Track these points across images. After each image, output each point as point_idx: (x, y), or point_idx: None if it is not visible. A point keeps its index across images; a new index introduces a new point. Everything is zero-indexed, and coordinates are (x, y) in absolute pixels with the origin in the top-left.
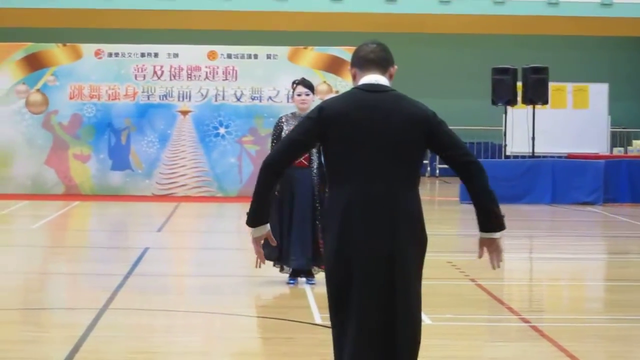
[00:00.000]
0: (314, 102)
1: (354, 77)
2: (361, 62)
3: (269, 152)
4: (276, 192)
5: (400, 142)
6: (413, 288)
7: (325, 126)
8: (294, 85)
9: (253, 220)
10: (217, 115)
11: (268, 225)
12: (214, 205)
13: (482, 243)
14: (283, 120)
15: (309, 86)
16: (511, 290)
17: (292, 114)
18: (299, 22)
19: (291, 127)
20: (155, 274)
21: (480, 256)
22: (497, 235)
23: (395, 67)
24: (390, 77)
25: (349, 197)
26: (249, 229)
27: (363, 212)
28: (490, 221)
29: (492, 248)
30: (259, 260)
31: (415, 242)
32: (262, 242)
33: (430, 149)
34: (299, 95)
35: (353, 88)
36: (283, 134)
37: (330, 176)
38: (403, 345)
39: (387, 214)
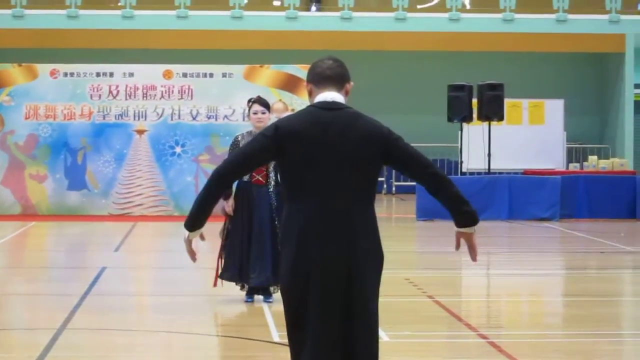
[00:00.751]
0: (270, 120)
1: (310, 93)
2: (317, 79)
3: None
4: (232, 212)
5: (356, 159)
6: (371, 305)
7: (280, 143)
8: (250, 103)
9: (192, 225)
10: (173, 134)
11: (202, 228)
12: (171, 224)
13: (459, 236)
14: (239, 138)
15: (265, 104)
16: (469, 307)
17: (248, 132)
18: (255, 41)
19: None
20: (114, 293)
21: (457, 248)
22: (472, 230)
23: (352, 83)
24: (347, 94)
25: (305, 214)
26: (184, 231)
27: (319, 229)
28: (464, 218)
29: (470, 242)
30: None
31: (372, 258)
32: (222, 266)
33: (390, 165)
34: (254, 113)
35: (309, 106)
36: None
37: (287, 193)
38: None
39: (343, 231)
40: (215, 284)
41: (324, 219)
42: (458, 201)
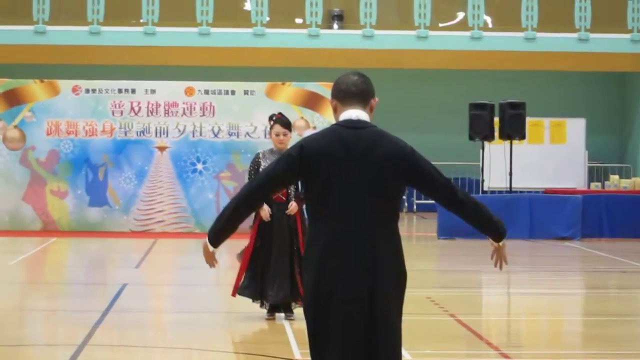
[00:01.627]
0: (291, 139)
1: (335, 110)
2: (342, 96)
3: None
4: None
5: (380, 179)
6: (393, 324)
7: (305, 163)
8: (271, 122)
9: (215, 242)
10: (195, 151)
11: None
12: (192, 241)
13: (495, 250)
14: (260, 156)
15: (287, 124)
16: (490, 325)
17: (269, 150)
18: (277, 58)
19: (268, 163)
20: (134, 310)
21: (496, 265)
22: (503, 241)
23: (376, 99)
24: (371, 110)
25: (329, 233)
26: (206, 241)
27: (343, 249)
28: (498, 234)
29: (500, 252)
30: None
31: (395, 278)
32: (244, 282)
33: (411, 185)
34: (277, 135)
35: (333, 124)
36: (260, 170)
37: (311, 212)
38: None
39: (367, 250)
40: (233, 294)
41: (347, 238)
42: (484, 220)
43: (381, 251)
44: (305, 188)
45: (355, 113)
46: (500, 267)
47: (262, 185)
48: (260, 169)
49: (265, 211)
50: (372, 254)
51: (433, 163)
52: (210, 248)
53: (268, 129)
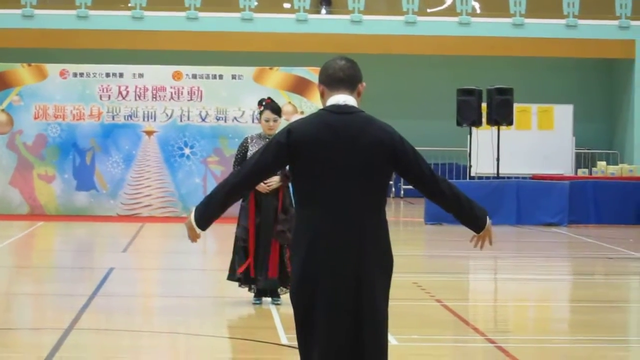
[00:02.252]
0: (280, 124)
1: (322, 95)
2: (329, 81)
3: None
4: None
5: (367, 164)
6: (380, 310)
7: (293, 149)
8: (261, 106)
9: (203, 225)
10: (182, 135)
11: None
12: (179, 225)
13: (475, 236)
14: (249, 140)
15: (277, 111)
16: (477, 311)
17: (258, 134)
18: (265, 43)
19: (257, 148)
20: (121, 294)
21: (475, 246)
22: (485, 228)
23: (364, 84)
24: (359, 95)
25: (316, 219)
26: (192, 218)
27: (329, 234)
28: (478, 223)
29: (482, 238)
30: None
31: (381, 263)
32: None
33: (397, 173)
34: (266, 120)
35: (321, 109)
36: (248, 154)
37: (298, 197)
38: None
39: (354, 236)
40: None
41: (334, 224)
42: (466, 215)
43: (369, 237)
44: (293, 174)
45: (342, 98)
46: (481, 248)
47: (251, 174)
48: (248, 154)
49: (263, 186)
50: (360, 240)
51: (421, 149)
52: (198, 230)
53: (257, 113)
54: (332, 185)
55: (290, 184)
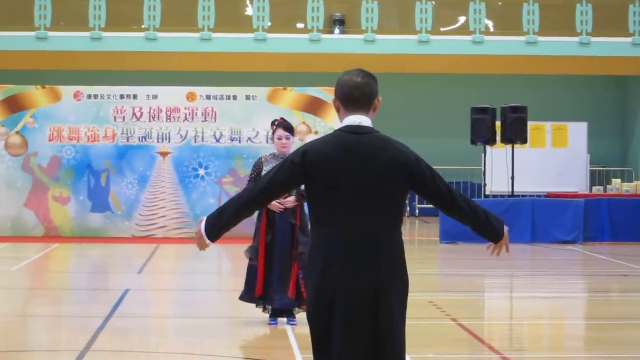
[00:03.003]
0: (294, 144)
1: (338, 110)
2: (345, 100)
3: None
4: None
5: (384, 185)
6: (397, 330)
7: (309, 170)
8: (274, 126)
9: (214, 237)
10: (197, 156)
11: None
12: (194, 246)
13: (495, 246)
14: (263, 160)
15: (290, 129)
16: (492, 330)
17: (272, 154)
18: (278, 63)
19: (270, 168)
20: (136, 315)
21: (492, 254)
22: (503, 238)
23: (380, 98)
24: (374, 110)
25: (332, 239)
26: (202, 228)
27: (345, 255)
28: (496, 235)
29: (499, 248)
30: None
31: (398, 283)
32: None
33: (414, 191)
34: (279, 139)
35: (336, 130)
36: (262, 174)
37: (314, 218)
38: None
39: (369, 256)
40: (259, 292)
41: (350, 244)
42: (483, 228)
43: (385, 258)
44: (309, 195)
45: (358, 119)
46: (498, 254)
47: (264, 192)
48: (263, 174)
49: (274, 203)
50: (376, 261)
51: (435, 167)
52: (207, 241)
53: (270, 134)
54: (348, 205)
55: (305, 204)
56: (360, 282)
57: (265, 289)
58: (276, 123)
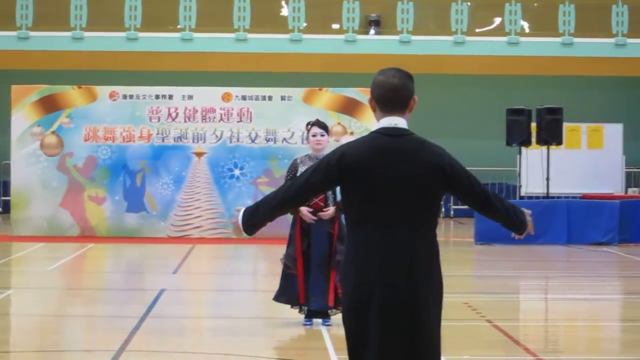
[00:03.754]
0: (328, 143)
1: (374, 110)
2: (381, 101)
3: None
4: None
5: (419, 187)
6: (434, 332)
7: (344, 173)
8: (308, 126)
9: (251, 231)
10: (232, 156)
11: None
12: (230, 246)
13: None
14: (298, 161)
15: (324, 127)
16: (527, 331)
17: (307, 155)
18: (313, 64)
19: (306, 168)
20: (172, 315)
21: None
22: (527, 228)
23: (416, 98)
24: (410, 110)
25: (368, 241)
26: (240, 220)
27: (382, 257)
28: (522, 228)
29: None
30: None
31: (434, 286)
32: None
33: (450, 194)
34: (313, 136)
35: (372, 132)
36: (298, 173)
37: (350, 220)
38: None
39: (406, 258)
40: (302, 299)
41: (386, 246)
42: (516, 225)
43: (421, 259)
44: (344, 196)
45: (394, 121)
46: (522, 237)
47: (300, 191)
48: (298, 172)
49: (306, 213)
50: (412, 262)
51: (470, 168)
52: (245, 235)
53: (305, 134)
54: (385, 208)
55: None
56: (396, 283)
57: (301, 290)
58: (310, 123)
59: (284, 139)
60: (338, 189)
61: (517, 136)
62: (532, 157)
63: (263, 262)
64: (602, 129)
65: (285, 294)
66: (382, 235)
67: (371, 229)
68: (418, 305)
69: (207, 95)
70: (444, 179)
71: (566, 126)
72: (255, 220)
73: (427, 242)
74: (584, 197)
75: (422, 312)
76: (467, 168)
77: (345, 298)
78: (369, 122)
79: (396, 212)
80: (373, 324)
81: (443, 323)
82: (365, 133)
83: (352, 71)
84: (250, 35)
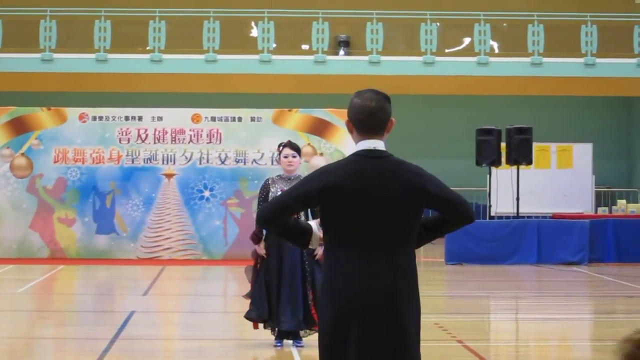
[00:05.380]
0: (300, 164)
1: (351, 132)
2: (359, 125)
3: (253, 214)
4: (265, 254)
5: (399, 207)
6: (414, 351)
7: (325, 193)
8: (280, 147)
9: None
10: (202, 178)
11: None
12: (200, 268)
13: None
14: (270, 182)
15: (296, 148)
16: (498, 351)
17: (278, 176)
18: (283, 85)
19: (278, 190)
20: (142, 337)
21: None
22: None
23: (393, 120)
24: (388, 131)
25: (348, 262)
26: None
27: (363, 276)
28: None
29: None
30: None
31: (414, 304)
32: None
33: (431, 209)
34: (285, 157)
35: (351, 155)
36: (270, 195)
37: (329, 240)
38: None
39: (387, 277)
40: (255, 327)
41: (367, 265)
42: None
43: (402, 277)
44: (323, 217)
45: (373, 144)
46: None
47: (278, 213)
48: (270, 195)
49: (262, 249)
50: (393, 281)
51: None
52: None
53: (276, 155)
54: (365, 228)
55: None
56: (377, 303)
57: (271, 310)
58: (282, 144)
59: (254, 159)
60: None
61: (487, 156)
62: (502, 177)
63: (233, 284)
64: (571, 149)
65: (255, 310)
66: (361, 256)
67: (352, 249)
68: (399, 326)
69: (177, 117)
70: (423, 196)
71: (536, 146)
72: (289, 238)
73: (408, 260)
74: (554, 216)
75: (403, 333)
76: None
77: (323, 319)
78: (339, 143)
79: (376, 231)
80: (352, 346)
81: None
82: (335, 153)
83: (322, 92)
84: (219, 56)
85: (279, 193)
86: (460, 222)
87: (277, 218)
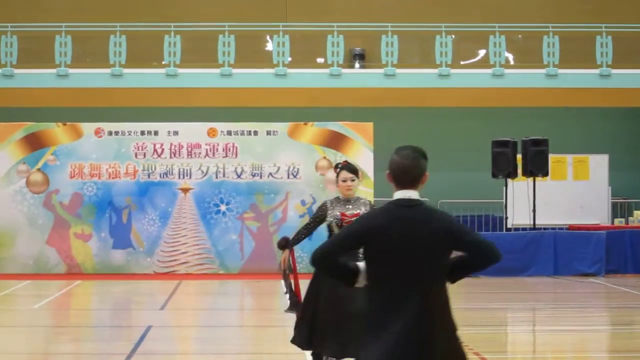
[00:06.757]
0: (358, 186)
1: (390, 182)
2: (397, 180)
3: (269, 228)
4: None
5: (432, 250)
6: None
7: (366, 238)
8: (337, 169)
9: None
10: (218, 192)
11: None
12: (216, 282)
13: None
14: (328, 204)
15: (354, 171)
16: None
17: (336, 198)
18: (299, 98)
19: (337, 212)
20: (159, 352)
21: None
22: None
23: (427, 174)
24: (422, 183)
25: (387, 302)
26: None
27: (398, 321)
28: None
29: None
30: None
31: (451, 343)
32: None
33: (457, 250)
34: (344, 181)
35: (388, 203)
36: (329, 219)
37: (371, 280)
38: None
39: (422, 322)
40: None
41: (405, 304)
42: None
43: (438, 315)
44: (365, 258)
45: (408, 194)
46: None
47: (334, 253)
48: (328, 217)
49: (285, 261)
50: (431, 320)
51: (456, 201)
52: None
53: (331, 176)
54: (400, 269)
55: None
56: (412, 350)
57: (314, 334)
58: (339, 165)
59: (270, 173)
60: None
61: (503, 168)
62: (518, 189)
63: (250, 298)
64: (587, 160)
65: (299, 335)
66: (397, 293)
67: (387, 288)
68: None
69: (193, 131)
70: (451, 240)
71: (552, 157)
72: (339, 275)
73: (441, 298)
74: (571, 228)
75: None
76: (454, 200)
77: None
78: (354, 156)
79: (410, 271)
80: None
81: None
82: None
83: (337, 105)
84: (235, 71)
85: (338, 215)
86: (487, 263)
87: (328, 260)
